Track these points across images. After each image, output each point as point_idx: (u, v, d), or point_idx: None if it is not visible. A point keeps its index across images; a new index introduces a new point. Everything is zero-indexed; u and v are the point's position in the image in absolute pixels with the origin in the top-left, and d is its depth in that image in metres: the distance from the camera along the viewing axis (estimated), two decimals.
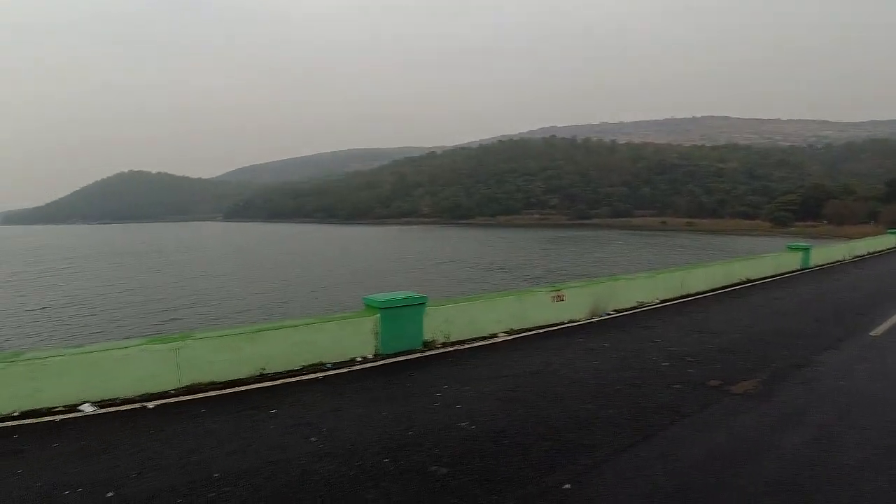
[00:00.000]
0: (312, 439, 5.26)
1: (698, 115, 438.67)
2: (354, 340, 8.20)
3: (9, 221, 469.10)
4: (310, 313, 22.12)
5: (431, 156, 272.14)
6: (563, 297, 10.74)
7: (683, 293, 13.93)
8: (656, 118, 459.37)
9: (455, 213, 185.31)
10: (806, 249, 20.96)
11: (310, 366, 7.67)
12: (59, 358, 6.57)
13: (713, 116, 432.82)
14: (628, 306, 12.20)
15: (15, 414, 6.27)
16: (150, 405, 6.42)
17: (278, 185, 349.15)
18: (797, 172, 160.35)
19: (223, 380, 7.12)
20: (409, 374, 7.52)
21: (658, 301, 13.02)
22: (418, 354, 8.43)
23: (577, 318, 10.90)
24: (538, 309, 10.42)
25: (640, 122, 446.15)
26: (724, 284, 15.70)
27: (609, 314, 11.52)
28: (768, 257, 19.62)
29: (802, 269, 20.13)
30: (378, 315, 8.28)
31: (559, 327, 10.36)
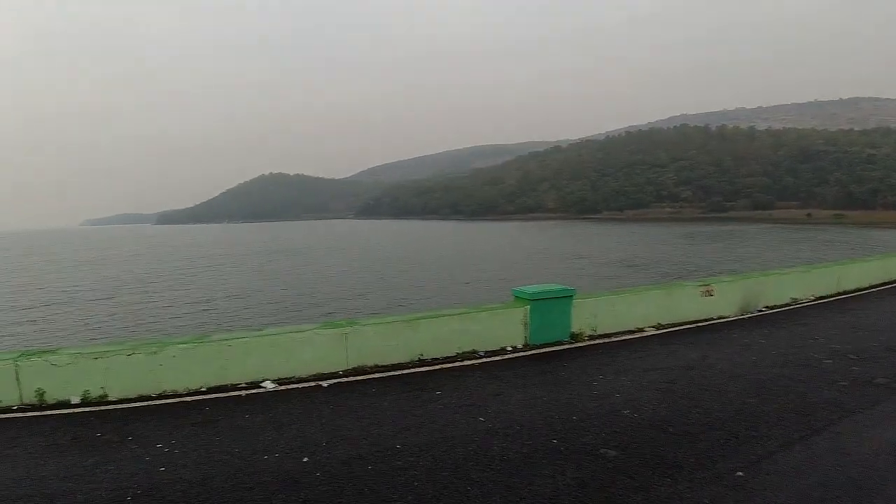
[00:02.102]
0: (481, 419, 5.57)
1: (845, 97, 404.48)
2: (505, 330, 8.47)
3: (163, 221, 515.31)
4: (462, 304, 22.59)
5: (556, 150, 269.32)
6: (712, 292, 10.47)
7: (840, 290, 13.13)
8: (798, 101, 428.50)
9: (581, 207, 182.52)
10: None
11: (464, 353, 8.04)
12: (243, 340, 7.28)
13: (862, 98, 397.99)
14: (781, 303, 11.66)
15: (203, 389, 7.01)
16: (325, 384, 7.00)
17: (405, 183, 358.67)
18: None
19: (386, 363, 7.63)
20: (561, 363, 7.68)
21: (813, 298, 12.35)
22: (567, 346, 8.57)
23: (727, 315, 10.57)
24: (686, 304, 10.22)
25: (780, 107, 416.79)
26: (883, 281, 14.61)
27: (760, 310, 11.08)
28: None
29: None
30: (528, 306, 8.49)
31: (708, 323, 10.11)
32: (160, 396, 6.89)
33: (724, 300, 10.65)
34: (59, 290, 42.28)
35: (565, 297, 8.75)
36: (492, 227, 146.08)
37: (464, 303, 25.59)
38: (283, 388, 6.98)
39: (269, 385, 7.04)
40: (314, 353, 7.39)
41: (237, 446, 5.21)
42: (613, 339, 8.97)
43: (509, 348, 8.38)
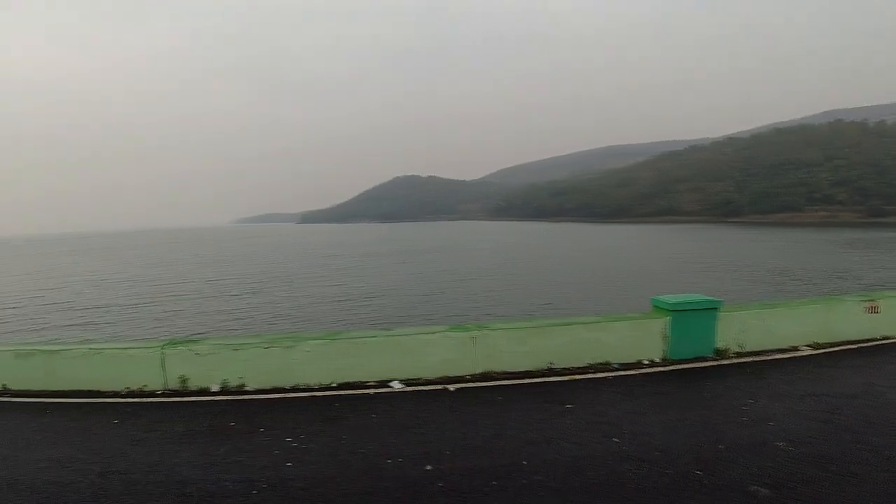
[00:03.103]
0: (615, 440, 5.17)
1: None
2: (642, 342, 7.96)
3: (304, 221, 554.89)
4: (595, 311, 21.57)
5: (695, 148, 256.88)
6: (877, 309, 9.37)
7: None
8: None
9: (723, 210, 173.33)
10: None
11: (596, 364, 7.63)
12: (373, 339, 7.33)
13: None
14: None
15: (333, 385, 7.11)
16: (451, 388, 6.88)
17: (535, 184, 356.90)
18: None
19: (514, 370, 7.41)
20: (705, 383, 7.05)
21: None
22: (710, 363, 7.90)
23: (894, 335, 9.42)
24: (847, 321, 9.17)
25: None
26: None
27: None
28: None
29: None
30: (668, 318, 7.93)
31: (872, 344, 9.01)
32: (293, 389, 7.08)
33: (892, 318, 9.49)
34: (210, 282, 45.49)
35: (710, 309, 8.09)
36: (625, 229, 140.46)
37: (596, 310, 24.67)
38: (409, 389, 6.96)
39: (396, 385, 7.04)
40: (442, 355, 7.31)
41: (362, 447, 5.19)
42: (763, 357, 8.16)
43: (646, 362, 7.86)
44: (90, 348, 7.41)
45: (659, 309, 8.20)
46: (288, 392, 7.02)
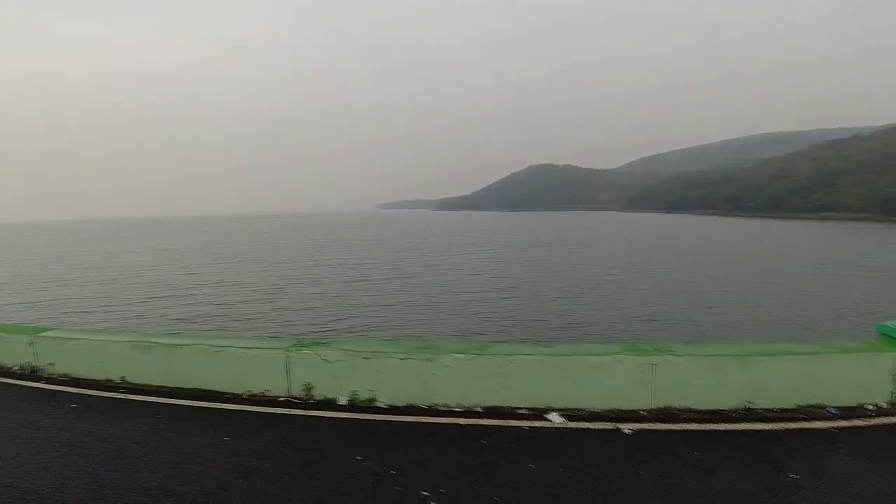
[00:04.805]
0: None
1: None
2: (865, 381, 6.15)
3: (441, 207, 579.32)
4: (807, 339, 17.60)
5: (859, 137, 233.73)
6: None
7: None
8: None
9: (888, 207, 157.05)
10: None
11: (808, 407, 5.96)
12: (527, 356, 6.10)
13: None
14: None
15: (478, 410, 5.99)
16: (626, 430, 5.49)
17: (679, 174, 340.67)
18: None
19: (700, 408, 5.91)
20: None
21: None
22: None
23: None
24: None
25: None
26: None
27: None
28: None
29: None
30: None
31: None
32: (430, 411, 6.02)
33: None
34: (354, 267, 46.09)
35: None
36: (785, 227, 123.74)
37: (776, 334, 20.47)
38: (572, 424, 5.65)
39: (555, 418, 5.76)
40: (611, 383, 5.94)
41: None
42: None
43: (870, 407, 6.06)
44: (211, 345, 6.74)
45: (889, 338, 6.38)
46: (424, 414, 5.95)
